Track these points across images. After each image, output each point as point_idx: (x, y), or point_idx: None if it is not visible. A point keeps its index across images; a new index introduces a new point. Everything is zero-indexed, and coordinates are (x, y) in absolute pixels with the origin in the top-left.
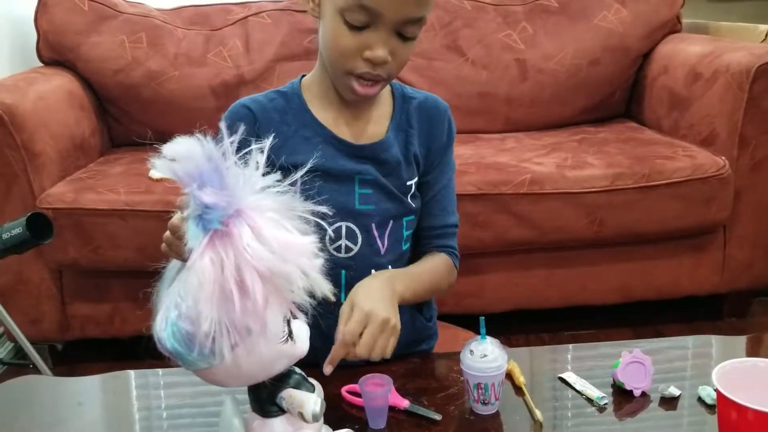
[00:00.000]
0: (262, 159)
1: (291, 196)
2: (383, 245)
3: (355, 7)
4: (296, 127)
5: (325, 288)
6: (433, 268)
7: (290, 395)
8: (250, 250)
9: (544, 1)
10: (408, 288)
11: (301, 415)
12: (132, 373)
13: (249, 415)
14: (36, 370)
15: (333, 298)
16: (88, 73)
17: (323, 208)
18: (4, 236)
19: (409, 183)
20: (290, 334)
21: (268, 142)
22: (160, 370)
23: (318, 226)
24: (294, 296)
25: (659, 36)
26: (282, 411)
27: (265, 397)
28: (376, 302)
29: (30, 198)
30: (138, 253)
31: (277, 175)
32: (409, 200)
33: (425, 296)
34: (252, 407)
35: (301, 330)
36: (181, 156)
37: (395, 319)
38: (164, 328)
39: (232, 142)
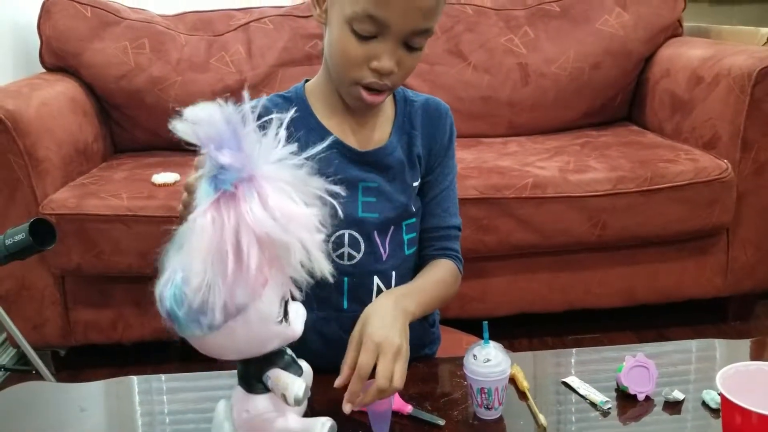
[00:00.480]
0: (282, 131)
1: (307, 171)
2: (385, 252)
3: (364, 17)
4: (301, 132)
5: (324, 267)
6: (440, 280)
7: (276, 376)
8: (251, 214)
9: (545, 5)
10: (419, 306)
11: (284, 398)
12: (135, 378)
13: (236, 387)
14: (39, 376)
15: (332, 279)
16: (91, 79)
17: (337, 188)
18: (7, 242)
19: (415, 185)
20: (286, 315)
21: (289, 114)
22: (162, 376)
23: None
24: (291, 270)
25: (661, 40)
26: (267, 389)
27: (252, 373)
28: (388, 329)
29: (33, 204)
30: (141, 259)
31: (294, 147)
32: (411, 203)
33: (433, 309)
34: (239, 381)
35: (298, 313)
36: (201, 119)
37: (406, 346)
38: (167, 288)
39: (253, 109)
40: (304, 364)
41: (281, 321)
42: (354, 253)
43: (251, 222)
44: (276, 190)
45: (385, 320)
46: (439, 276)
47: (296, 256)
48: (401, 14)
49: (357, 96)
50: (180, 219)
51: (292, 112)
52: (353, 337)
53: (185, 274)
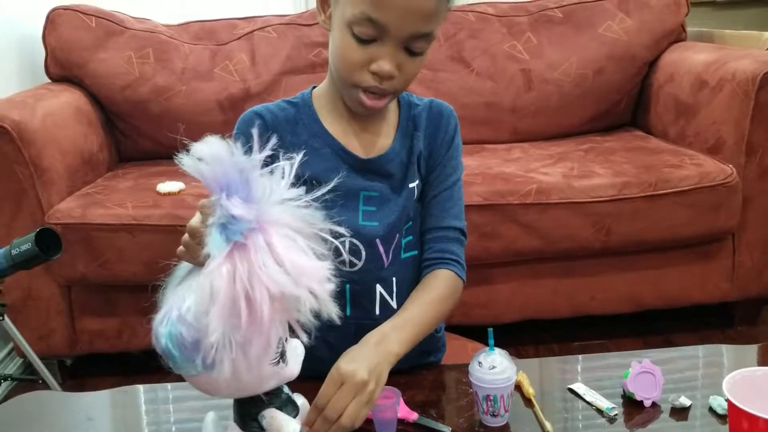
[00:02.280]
0: (289, 171)
1: (312, 212)
2: (387, 259)
3: (363, 20)
4: (305, 137)
5: (332, 311)
6: (434, 299)
7: (271, 416)
8: (265, 269)
9: (548, 11)
10: (407, 340)
11: None
12: (141, 387)
13: (231, 424)
14: (45, 386)
15: (338, 322)
16: (96, 88)
17: (341, 229)
18: (14, 252)
19: (411, 186)
20: (282, 356)
21: (298, 158)
22: (169, 385)
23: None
24: (300, 316)
25: (664, 44)
26: (263, 429)
27: (247, 412)
28: (357, 364)
29: (39, 213)
30: (146, 268)
31: (301, 190)
32: (409, 207)
33: (429, 331)
34: (234, 418)
35: (296, 351)
36: (210, 159)
37: (374, 385)
38: (163, 325)
39: (261, 153)
40: (300, 400)
41: (277, 362)
42: (355, 260)
43: (265, 279)
44: (283, 237)
45: (358, 356)
46: (433, 295)
47: (306, 306)
48: (400, 17)
49: (358, 100)
50: (180, 259)
51: (300, 157)
52: (329, 374)
53: (181, 314)
